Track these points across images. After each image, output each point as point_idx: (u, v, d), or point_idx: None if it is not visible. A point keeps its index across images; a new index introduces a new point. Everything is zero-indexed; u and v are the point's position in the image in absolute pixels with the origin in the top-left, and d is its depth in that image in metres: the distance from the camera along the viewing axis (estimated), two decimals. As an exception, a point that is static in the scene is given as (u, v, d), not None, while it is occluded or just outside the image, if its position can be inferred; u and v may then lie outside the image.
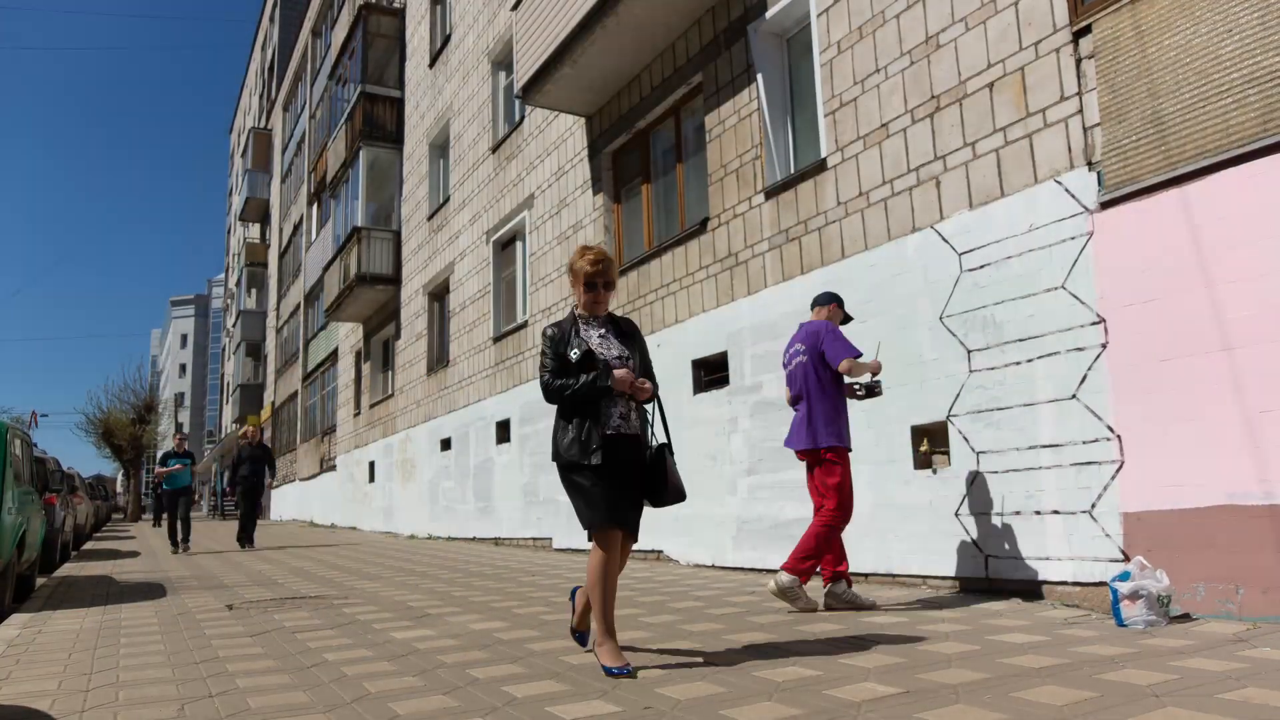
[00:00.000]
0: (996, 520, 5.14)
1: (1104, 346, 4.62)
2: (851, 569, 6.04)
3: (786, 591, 4.88)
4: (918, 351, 5.71)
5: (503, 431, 12.22)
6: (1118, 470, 4.52)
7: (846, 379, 5.07)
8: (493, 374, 12.71)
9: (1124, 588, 4.05)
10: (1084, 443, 4.69)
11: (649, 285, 8.86)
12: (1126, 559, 4.42)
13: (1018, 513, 5.02)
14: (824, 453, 4.99)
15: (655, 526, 8.51)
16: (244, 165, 42.03)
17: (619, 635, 4.34)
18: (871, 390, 5.08)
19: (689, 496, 8.13)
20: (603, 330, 3.71)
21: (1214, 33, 4.25)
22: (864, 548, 6.04)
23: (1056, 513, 4.81)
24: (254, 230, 43.25)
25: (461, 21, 14.78)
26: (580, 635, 3.97)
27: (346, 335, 22.10)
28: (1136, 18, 4.57)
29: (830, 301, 5.33)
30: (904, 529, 5.75)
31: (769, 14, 7.33)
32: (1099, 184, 4.70)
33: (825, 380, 5.02)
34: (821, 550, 4.92)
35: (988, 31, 5.39)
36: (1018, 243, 5.11)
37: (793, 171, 7.13)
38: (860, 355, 5.02)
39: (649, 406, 3.75)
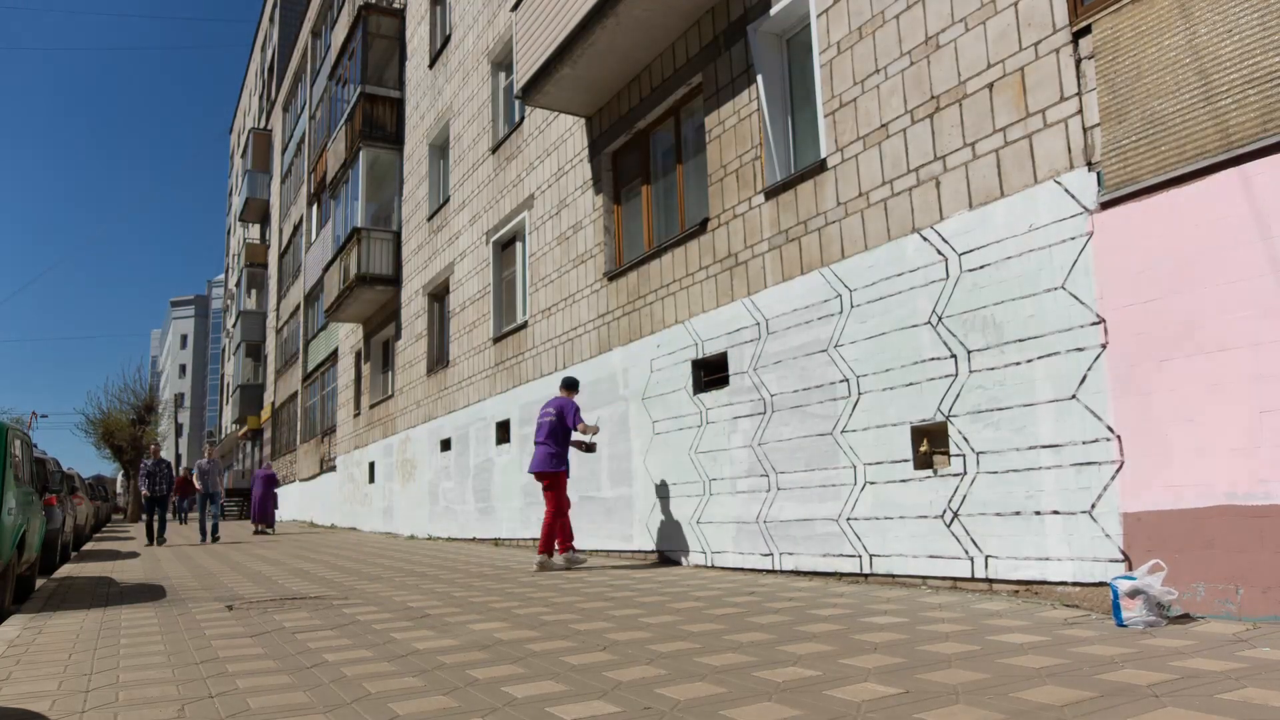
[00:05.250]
0: (996, 520, 5.14)
1: (1104, 347, 4.62)
2: (850, 569, 6.10)
3: (546, 565, 8.08)
4: (918, 351, 5.71)
5: (502, 432, 12.23)
6: (1117, 470, 4.52)
7: (575, 436, 8.43)
8: (493, 374, 12.71)
9: (1124, 586, 4.05)
10: (1084, 443, 4.69)
11: (649, 286, 8.86)
12: (1126, 559, 4.43)
13: (1018, 513, 5.02)
14: (562, 476, 8.25)
15: (655, 527, 8.51)
16: (244, 166, 42.06)
17: (620, 636, 4.35)
18: (590, 448, 8.49)
19: (688, 498, 8.11)
20: None
21: (1214, 33, 4.25)
22: (865, 547, 6.05)
23: (1056, 513, 4.81)
24: (254, 231, 43.27)
25: (461, 22, 14.79)
26: None
27: (346, 336, 22.11)
28: (1136, 18, 4.57)
29: (574, 387, 8.68)
30: (904, 529, 5.75)
31: (769, 14, 7.33)
32: (1099, 184, 4.71)
33: (563, 434, 8.29)
34: (562, 532, 8.21)
35: (987, 32, 5.39)
36: (1017, 243, 5.11)
37: (792, 172, 7.13)
38: (588, 423, 8.49)
39: None
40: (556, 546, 8.21)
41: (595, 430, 8.41)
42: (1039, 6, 5.07)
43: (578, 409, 8.35)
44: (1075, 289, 4.77)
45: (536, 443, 8.33)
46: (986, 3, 5.40)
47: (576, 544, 9.97)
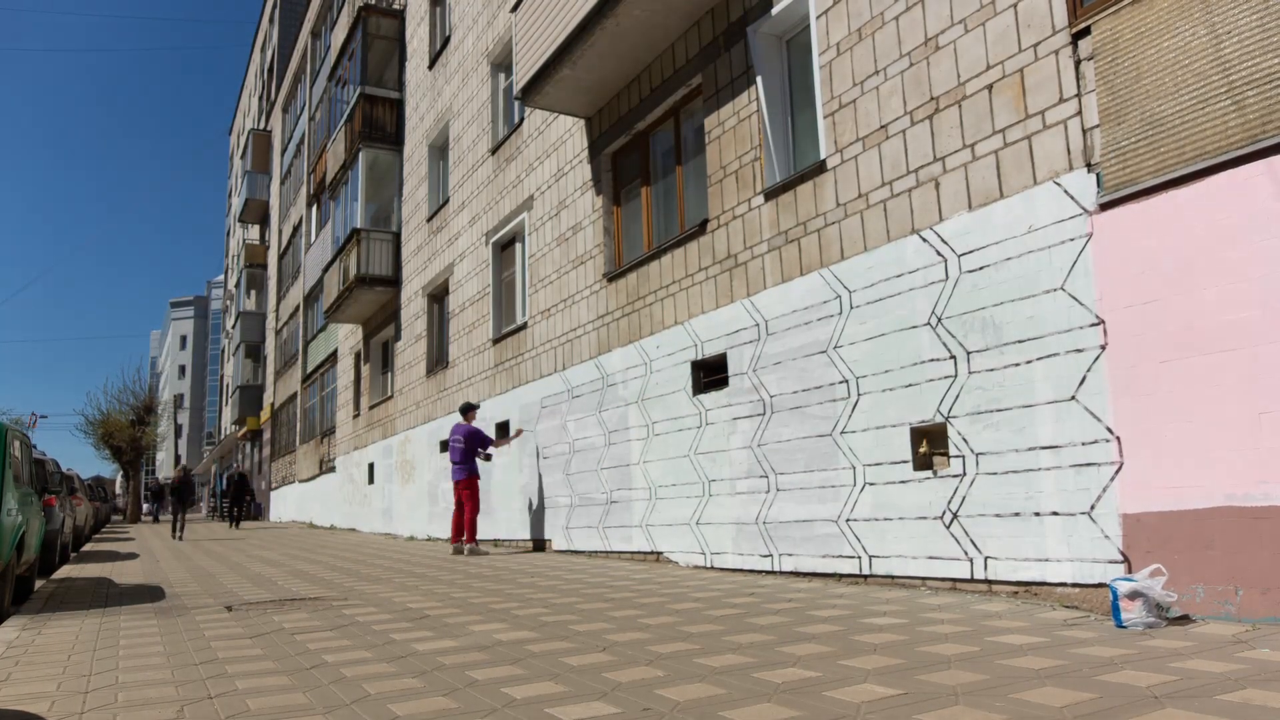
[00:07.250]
0: (996, 521, 5.14)
1: (1103, 348, 4.62)
2: (849, 570, 6.11)
3: (473, 551, 10.53)
4: (917, 352, 5.71)
5: (502, 433, 12.22)
6: (1117, 471, 4.52)
7: (481, 451, 11.15)
8: (492, 375, 12.71)
9: (1124, 587, 4.05)
10: (1083, 444, 4.69)
11: (648, 287, 8.86)
12: (1126, 560, 4.43)
13: (1017, 514, 5.02)
14: (474, 480, 10.86)
15: (655, 528, 8.51)
16: (244, 167, 42.08)
17: (619, 637, 4.34)
18: (489, 457, 11.47)
19: (688, 499, 8.12)
20: None
21: (1213, 35, 4.26)
22: (864, 548, 6.05)
23: (1056, 514, 4.81)
24: (253, 232, 43.29)
25: (461, 23, 14.80)
26: None
27: (346, 337, 22.10)
28: (1136, 20, 4.57)
29: (473, 410, 11.29)
30: (903, 530, 5.75)
31: (769, 15, 7.33)
32: (1098, 185, 4.71)
33: (472, 451, 10.96)
34: (472, 527, 10.76)
35: (987, 33, 5.39)
36: (1017, 244, 5.11)
37: (792, 173, 7.14)
38: (493, 443, 11.35)
39: None
40: (465, 537, 10.72)
41: (518, 433, 11.33)
42: (1038, 8, 5.08)
43: (484, 435, 11.22)
44: (1075, 290, 4.77)
45: (454, 463, 10.88)
46: (986, 4, 5.40)
47: (581, 545, 10.03)
